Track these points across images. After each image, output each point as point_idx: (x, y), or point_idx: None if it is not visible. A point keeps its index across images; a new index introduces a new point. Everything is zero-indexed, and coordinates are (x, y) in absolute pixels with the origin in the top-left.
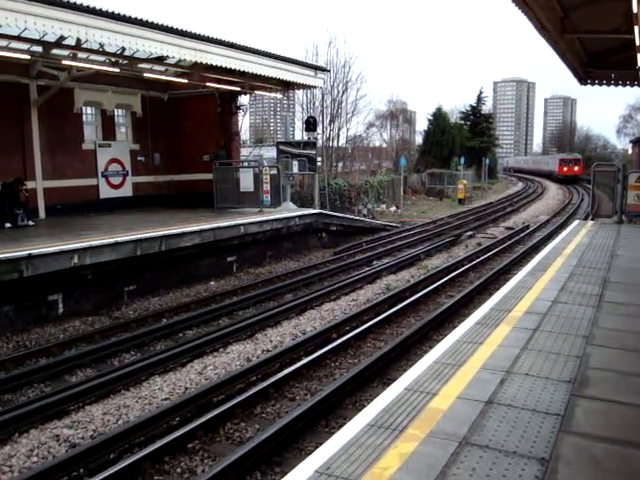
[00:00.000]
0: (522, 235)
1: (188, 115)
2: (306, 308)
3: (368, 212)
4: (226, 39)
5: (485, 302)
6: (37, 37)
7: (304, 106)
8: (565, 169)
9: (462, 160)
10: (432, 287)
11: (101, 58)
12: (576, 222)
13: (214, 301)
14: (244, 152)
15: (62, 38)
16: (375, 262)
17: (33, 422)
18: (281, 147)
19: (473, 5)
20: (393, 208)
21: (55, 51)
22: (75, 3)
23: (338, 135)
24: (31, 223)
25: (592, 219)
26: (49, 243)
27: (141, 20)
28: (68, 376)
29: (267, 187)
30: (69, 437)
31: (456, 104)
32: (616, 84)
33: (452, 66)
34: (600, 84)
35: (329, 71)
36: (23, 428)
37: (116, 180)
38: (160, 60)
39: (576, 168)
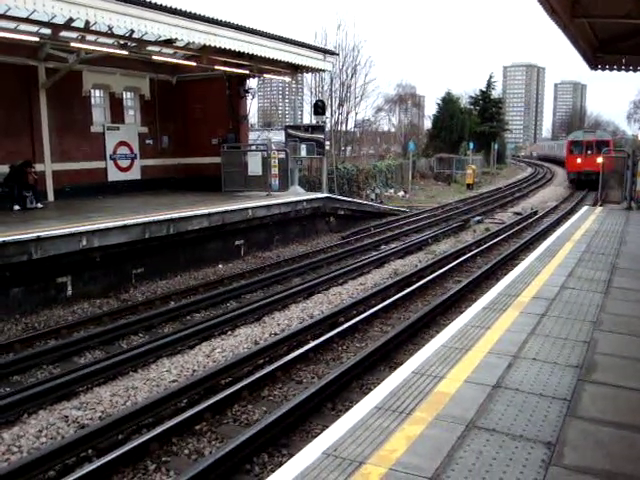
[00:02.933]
0: (530, 221)
1: (196, 98)
2: (313, 292)
3: (376, 197)
4: (235, 22)
5: (493, 287)
6: (46, 19)
7: (313, 90)
8: (579, 161)
9: (471, 145)
10: (440, 272)
11: (110, 41)
12: (585, 208)
13: (222, 284)
14: (252, 136)
15: (71, 20)
16: (383, 247)
17: (42, 403)
18: (289, 131)
19: None
20: (401, 193)
21: (64, 33)
22: None
23: (347, 119)
24: (40, 205)
25: (601, 205)
26: (58, 225)
27: (150, 2)
28: (77, 358)
29: (275, 171)
30: (78, 418)
31: (465, 89)
32: (627, 69)
33: (462, 50)
34: (611, 69)
35: (338, 54)
36: (32, 409)
37: (124, 163)
38: (169, 43)
39: (599, 159)
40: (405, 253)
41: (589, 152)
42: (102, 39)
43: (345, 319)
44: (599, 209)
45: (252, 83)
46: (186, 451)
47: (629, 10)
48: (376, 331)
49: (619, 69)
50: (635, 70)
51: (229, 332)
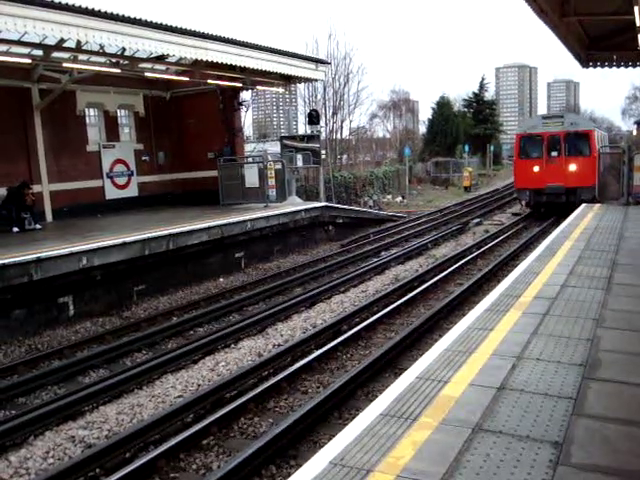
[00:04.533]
0: (529, 220)
1: (191, 113)
2: (315, 301)
3: (374, 203)
4: (226, 35)
5: (494, 289)
6: (37, 41)
7: (306, 100)
8: (536, 169)
9: (466, 148)
10: (441, 276)
11: (102, 59)
12: (583, 205)
13: (223, 297)
14: (248, 148)
15: (62, 41)
16: (383, 253)
17: (48, 424)
18: (285, 141)
19: None
20: (399, 198)
21: (56, 54)
22: (74, 5)
23: (341, 127)
24: (38, 226)
25: (599, 202)
26: (57, 246)
27: (140, 20)
28: (81, 377)
29: (272, 182)
30: (84, 438)
31: (459, 92)
32: (618, 65)
33: (454, 54)
34: (602, 66)
35: (330, 63)
36: (38, 431)
37: (121, 180)
38: (161, 59)
39: (573, 167)
40: (405, 258)
41: (553, 154)
42: (94, 58)
43: (348, 327)
44: (597, 206)
45: (246, 95)
46: (194, 466)
47: (618, 6)
48: (380, 338)
49: (610, 66)
50: (627, 66)
51: (232, 345)
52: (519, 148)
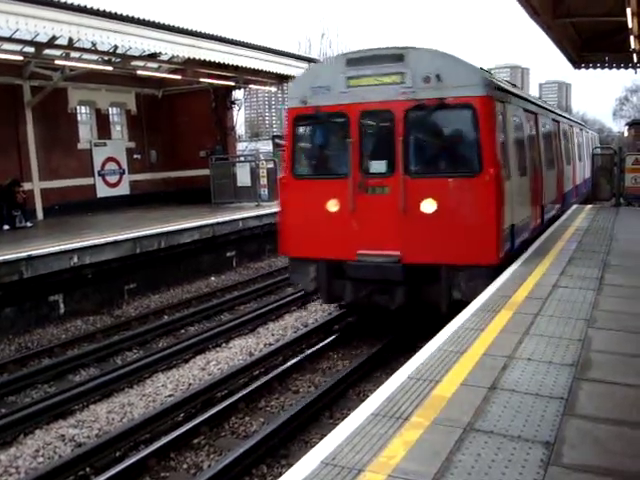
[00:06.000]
0: None
1: (183, 111)
2: (308, 300)
3: None
4: (219, 34)
5: (486, 289)
6: (29, 38)
7: None
8: (332, 210)
9: None
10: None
11: (94, 57)
12: (574, 206)
13: (215, 297)
14: (240, 147)
15: (54, 38)
16: None
17: (38, 423)
18: (277, 140)
19: None
20: None
21: (47, 51)
22: (66, 3)
23: None
24: (29, 224)
25: (591, 203)
26: (48, 244)
27: (132, 17)
28: (72, 376)
29: (264, 181)
30: (74, 436)
31: None
32: (610, 67)
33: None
34: (594, 67)
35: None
36: (28, 429)
37: (113, 179)
38: (153, 57)
39: (429, 207)
40: None
41: (377, 165)
42: (86, 55)
43: (340, 326)
44: (589, 207)
45: (238, 94)
46: (185, 466)
47: (610, 8)
48: (372, 337)
49: (602, 67)
50: (618, 67)
51: (224, 344)
52: (292, 150)
